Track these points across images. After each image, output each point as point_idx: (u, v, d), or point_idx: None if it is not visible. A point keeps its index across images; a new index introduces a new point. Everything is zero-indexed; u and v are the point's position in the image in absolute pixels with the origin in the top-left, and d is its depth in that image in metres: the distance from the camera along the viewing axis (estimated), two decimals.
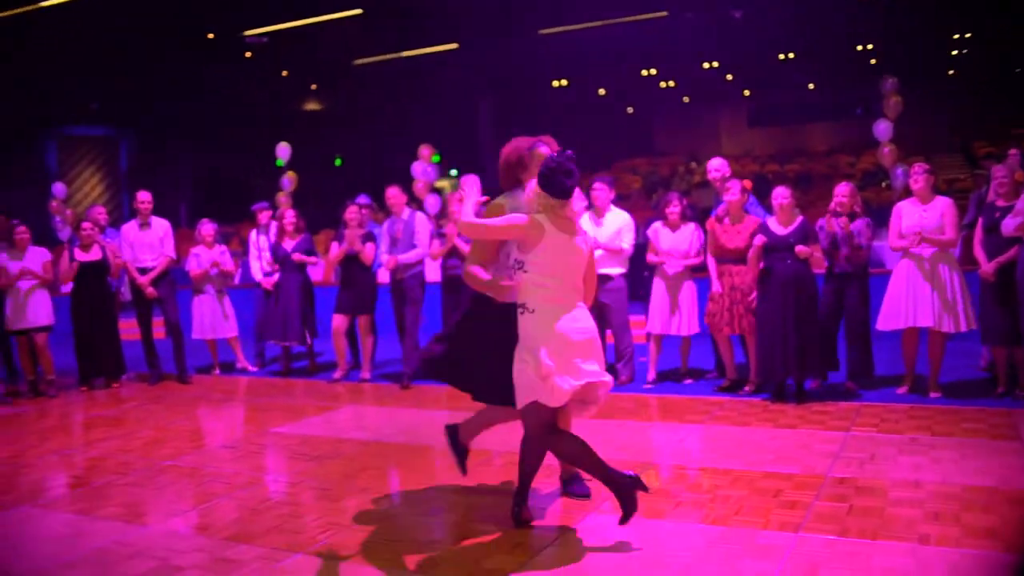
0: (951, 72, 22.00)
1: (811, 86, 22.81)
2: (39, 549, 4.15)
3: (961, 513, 3.99)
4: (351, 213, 8.06)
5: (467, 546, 3.93)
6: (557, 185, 3.85)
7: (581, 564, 3.65)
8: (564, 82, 22.55)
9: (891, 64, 14.31)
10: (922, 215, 6.32)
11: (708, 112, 24.20)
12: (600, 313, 7.47)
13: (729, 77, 22.60)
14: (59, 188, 16.34)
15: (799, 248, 6.22)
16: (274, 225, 8.93)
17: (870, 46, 20.55)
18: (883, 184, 16.04)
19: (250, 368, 9.04)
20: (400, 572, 3.65)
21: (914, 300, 6.28)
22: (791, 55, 21.00)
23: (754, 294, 6.55)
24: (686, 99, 24.13)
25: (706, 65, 21.72)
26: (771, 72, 21.81)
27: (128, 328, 9.23)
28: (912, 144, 15.38)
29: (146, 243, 8.45)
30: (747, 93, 23.58)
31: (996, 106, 21.57)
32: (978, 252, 6.32)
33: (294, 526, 4.30)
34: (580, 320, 3.88)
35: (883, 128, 10.90)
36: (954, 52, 21.48)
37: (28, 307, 8.00)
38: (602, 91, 23.29)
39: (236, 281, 12.42)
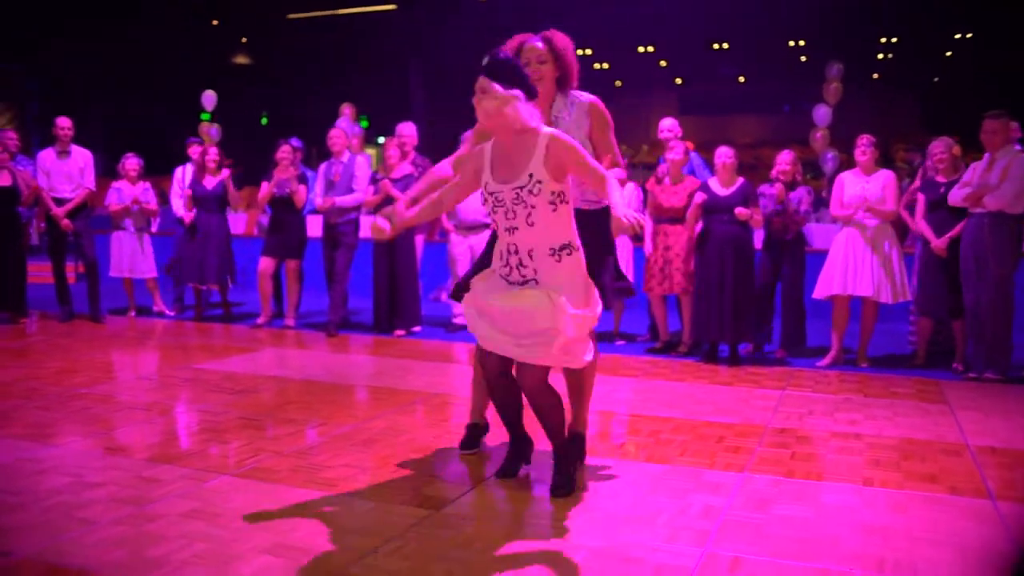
0: (875, 76, 22.59)
1: (741, 79, 23.15)
2: None
3: (900, 461, 4.01)
4: (283, 152, 7.74)
5: (401, 475, 3.76)
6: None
7: (528, 496, 3.53)
8: None
9: (820, 63, 14.55)
10: (864, 186, 6.37)
11: (640, 97, 24.28)
12: None
13: (663, 64, 22.75)
14: None
15: (738, 210, 6.20)
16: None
17: (802, 42, 20.93)
18: (808, 176, 16.37)
19: (167, 312, 8.65)
20: (332, 494, 3.46)
21: (854, 269, 6.32)
22: (725, 46, 21.25)
23: (691, 255, 6.54)
24: (619, 83, 24.19)
25: (641, 49, 21.79)
26: (704, 62, 22.03)
27: (36, 272, 8.73)
28: (835, 139, 15.75)
29: (64, 172, 7.96)
30: (679, 81, 23.79)
31: (915, 111, 22.28)
32: (924, 227, 6.38)
33: (219, 451, 4.07)
34: None
35: (822, 113, 11.05)
36: (880, 56, 22.06)
37: None
38: None
39: (154, 229, 11.93)
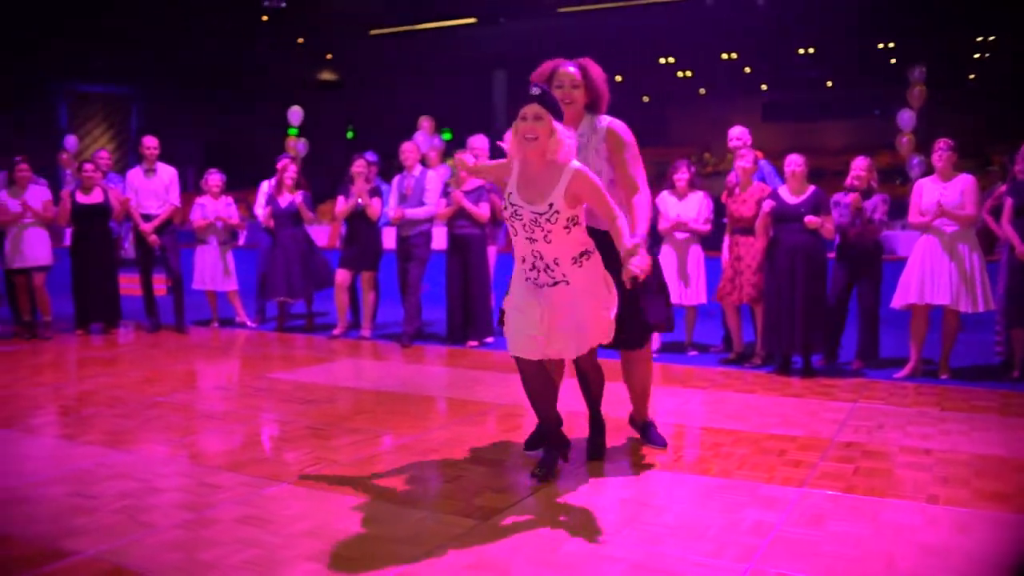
0: (971, 77, 21.76)
1: (829, 83, 22.58)
2: (20, 467, 4.04)
3: (971, 478, 3.85)
4: (358, 166, 7.91)
5: (457, 485, 3.80)
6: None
7: (575, 507, 3.53)
8: None
9: (911, 65, 14.11)
10: (943, 192, 6.15)
11: (723, 104, 23.90)
12: None
13: (747, 70, 22.38)
14: (71, 141, 16.19)
15: (808, 219, 6.06)
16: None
17: (891, 45, 20.30)
18: (897, 182, 15.86)
19: (249, 323, 8.92)
20: (385, 503, 3.53)
21: (931, 277, 6.10)
22: (811, 50, 20.77)
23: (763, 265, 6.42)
24: (702, 90, 23.91)
25: (724, 56, 21.50)
26: (789, 67, 21.59)
27: (128, 283, 9.12)
28: (927, 143, 15.18)
29: (151, 190, 8.31)
30: (764, 87, 23.36)
31: (1014, 112, 21.31)
32: (1011, 232, 6.11)
33: (282, 459, 4.18)
34: None
35: (906, 117, 10.73)
36: (975, 56, 21.24)
37: (26, 246, 7.86)
38: (619, 77, 23.09)
39: (241, 242, 12.32)
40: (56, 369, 6.58)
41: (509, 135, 3.61)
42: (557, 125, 3.47)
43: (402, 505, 3.51)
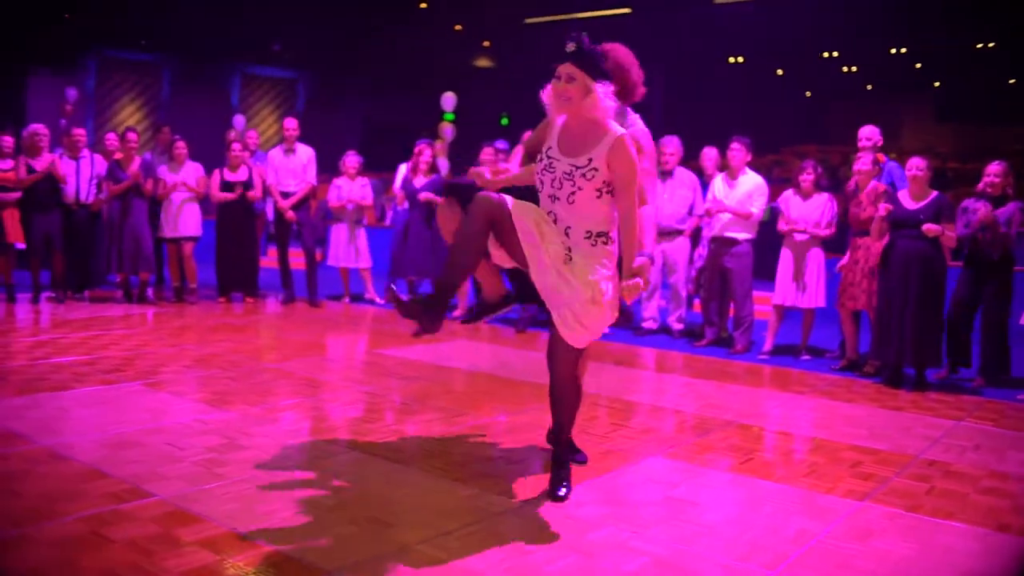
0: None
1: (1012, 80, 21.04)
2: (132, 416, 4.45)
3: None
4: (486, 154, 8.13)
5: (516, 467, 3.92)
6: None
7: (619, 498, 3.57)
8: (740, 59, 21.77)
9: None
10: None
11: (892, 102, 22.72)
12: (723, 278, 7.26)
13: (918, 66, 21.16)
14: (239, 120, 17.30)
15: (927, 226, 5.77)
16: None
17: None
18: None
19: (377, 300, 9.32)
20: (439, 479, 3.68)
21: None
22: (991, 44, 19.42)
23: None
24: (869, 87, 22.80)
25: (893, 51, 20.41)
26: (964, 62, 20.24)
27: (272, 257, 9.73)
28: None
29: (290, 168, 8.82)
30: (937, 84, 22.03)
31: None
32: None
33: (361, 429, 4.42)
34: None
35: None
36: None
37: (179, 217, 8.55)
38: (779, 71, 22.35)
39: (387, 222, 12.84)
40: (191, 332, 7.12)
41: (548, 90, 3.34)
42: (595, 85, 3.23)
43: (455, 481, 3.66)
